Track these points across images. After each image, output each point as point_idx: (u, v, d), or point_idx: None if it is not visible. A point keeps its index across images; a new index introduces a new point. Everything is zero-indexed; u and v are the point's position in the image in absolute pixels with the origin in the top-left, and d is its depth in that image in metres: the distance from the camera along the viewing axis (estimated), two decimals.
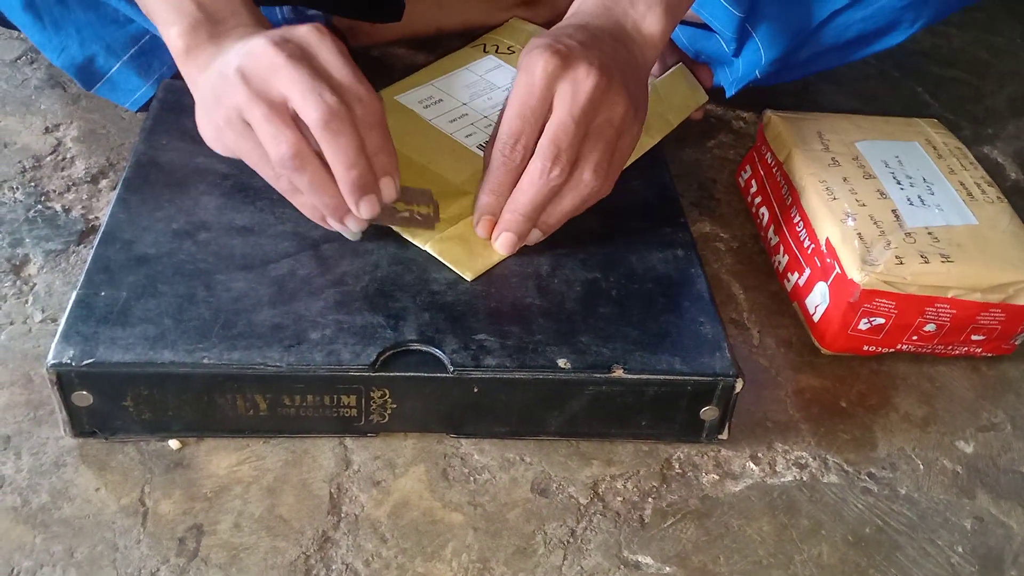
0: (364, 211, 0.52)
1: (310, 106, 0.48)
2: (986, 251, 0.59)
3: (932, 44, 1.00)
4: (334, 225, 0.54)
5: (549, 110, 0.53)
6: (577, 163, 0.54)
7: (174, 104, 0.66)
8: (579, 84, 0.52)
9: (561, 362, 0.51)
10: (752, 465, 0.54)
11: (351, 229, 0.54)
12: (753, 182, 0.72)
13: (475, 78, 0.71)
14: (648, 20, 0.57)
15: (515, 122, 0.53)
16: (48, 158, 0.70)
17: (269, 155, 0.50)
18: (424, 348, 0.51)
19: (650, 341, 0.53)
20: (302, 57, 0.50)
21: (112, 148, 0.72)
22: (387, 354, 0.50)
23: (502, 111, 0.54)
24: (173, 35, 0.55)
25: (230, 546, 0.47)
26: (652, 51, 0.58)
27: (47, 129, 0.73)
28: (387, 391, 0.51)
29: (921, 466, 0.55)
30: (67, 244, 0.63)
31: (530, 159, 0.54)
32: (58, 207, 0.66)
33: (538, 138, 0.53)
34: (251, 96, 0.49)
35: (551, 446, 0.54)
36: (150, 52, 0.73)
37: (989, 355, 0.62)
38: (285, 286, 0.53)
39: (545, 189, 0.53)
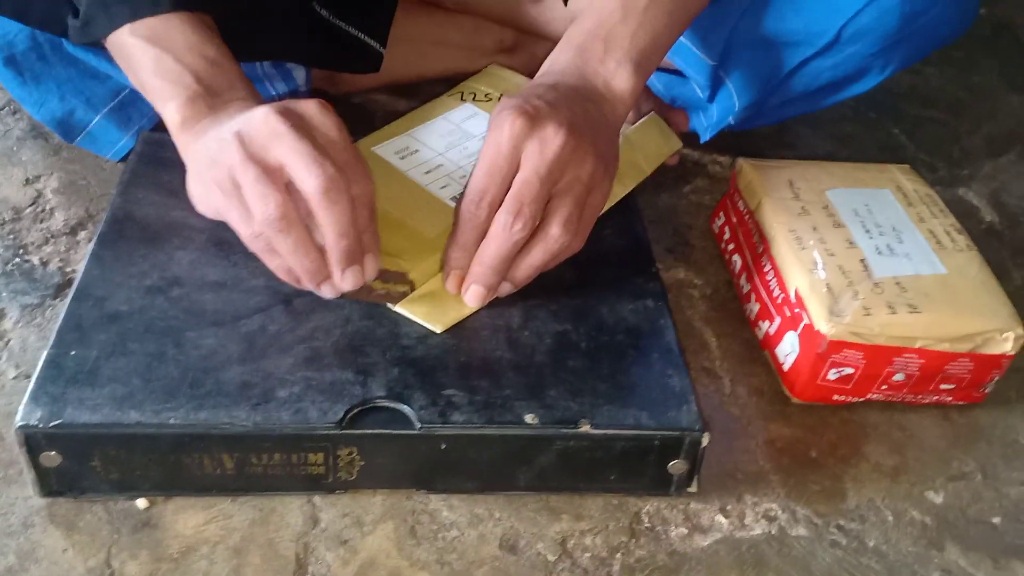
0: (347, 281, 0.52)
1: (312, 174, 0.49)
2: (954, 301, 0.59)
3: (909, 84, 1.01)
4: (308, 287, 0.54)
5: (517, 169, 0.54)
6: (545, 218, 0.55)
7: (152, 157, 0.67)
8: (546, 143, 0.53)
9: (528, 417, 0.51)
10: (721, 518, 0.54)
11: (325, 295, 0.54)
12: (726, 229, 0.73)
13: (451, 127, 0.72)
14: (618, 78, 0.58)
15: (481, 180, 0.54)
16: (28, 210, 0.71)
17: (254, 214, 0.50)
18: (392, 405, 0.51)
19: (618, 395, 0.53)
20: (304, 129, 0.51)
21: (92, 199, 0.72)
22: (354, 411, 0.51)
23: (474, 167, 0.55)
24: (171, 110, 0.55)
25: None
26: (623, 107, 0.59)
27: (27, 180, 0.74)
28: (355, 449, 0.51)
29: (890, 517, 0.55)
30: (43, 298, 0.63)
31: None
32: (36, 260, 0.66)
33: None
34: (245, 158, 0.50)
35: (520, 500, 0.54)
36: (129, 105, 0.74)
37: (960, 403, 0.62)
38: (255, 342, 0.54)
39: (509, 243, 0.54)
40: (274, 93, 0.79)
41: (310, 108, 0.52)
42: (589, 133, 0.55)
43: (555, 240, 0.55)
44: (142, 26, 0.56)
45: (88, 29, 0.58)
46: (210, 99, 0.55)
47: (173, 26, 0.56)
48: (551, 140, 0.53)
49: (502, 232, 0.54)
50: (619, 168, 0.60)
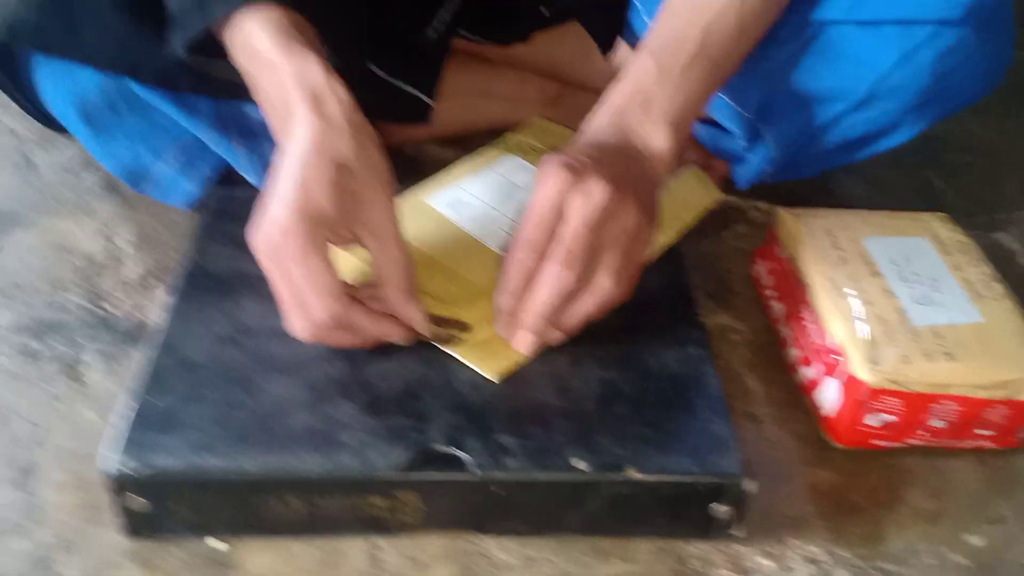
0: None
1: (293, 327, 0.56)
2: (990, 349, 0.61)
3: (946, 130, 1.01)
4: None
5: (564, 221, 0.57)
6: (594, 268, 0.57)
7: (223, 213, 0.71)
8: (591, 196, 0.56)
9: (579, 464, 0.54)
10: (764, 560, 0.56)
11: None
12: (767, 276, 0.75)
13: (500, 179, 0.75)
14: (655, 139, 0.61)
15: (529, 230, 0.57)
16: (103, 261, 0.75)
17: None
18: (450, 451, 0.54)
19: (663, 441, 0.56)
20: (311, 247, 0.53)
21: (165, 251, 0.76)
22: (415, 457, 0.53)
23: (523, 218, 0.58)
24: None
25: None
26: (661, 165, 0.62)
27: (102, 232, 0.78)
28: (415, 493, 0.54)
29: (930, 560, 0.57)
30: (119, 345, 0.67)
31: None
32: (112, 309, 0.71)
33: None
34: (271, 271, 0.55)
35: (571, 543, 0.56)
36: (194, 152, 0.77)
37: (998, 448, 0.64)
38: (319, 389, 0.57)
39: (558, 290, 0.57)
40: None
41: (327, 206, 0.53)
42: (631, 187, 0.58)
43: (603, 290, 0.58)
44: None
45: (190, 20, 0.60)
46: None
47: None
48: (596, 193, 0.56)
49: (551, 280, 0.56)
50: (662, 217, 0.63)
